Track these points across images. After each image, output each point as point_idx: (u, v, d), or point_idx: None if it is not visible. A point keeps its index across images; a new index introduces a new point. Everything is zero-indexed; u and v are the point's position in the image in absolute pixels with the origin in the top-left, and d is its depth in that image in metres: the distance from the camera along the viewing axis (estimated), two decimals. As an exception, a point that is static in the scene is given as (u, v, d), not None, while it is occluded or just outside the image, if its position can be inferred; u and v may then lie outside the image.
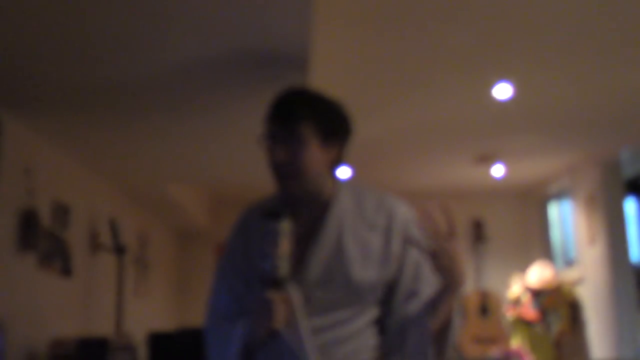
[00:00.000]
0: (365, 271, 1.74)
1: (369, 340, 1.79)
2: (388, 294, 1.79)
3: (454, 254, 1.66)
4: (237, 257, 1.82)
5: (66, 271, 4.41)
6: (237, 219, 1.89)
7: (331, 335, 1.72)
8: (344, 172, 5.66)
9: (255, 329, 1.67)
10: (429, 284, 1.76)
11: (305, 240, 1.71)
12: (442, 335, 1.73)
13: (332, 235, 1.75)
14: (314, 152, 1.71)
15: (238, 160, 4.95)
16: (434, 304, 1.70)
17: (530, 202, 7.30)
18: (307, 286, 1.69)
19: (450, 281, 1.66)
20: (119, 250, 4.98)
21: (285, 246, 1.64)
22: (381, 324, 1.82)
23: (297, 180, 1.72)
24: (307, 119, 1.71)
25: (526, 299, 6.14)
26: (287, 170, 1.71)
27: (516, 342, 6.23)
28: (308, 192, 1.75)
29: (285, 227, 1.64)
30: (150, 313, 6.52)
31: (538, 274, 6.20)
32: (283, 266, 1.63)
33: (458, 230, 1.68)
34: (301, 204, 1.77)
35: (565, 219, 6.90)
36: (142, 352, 4.65)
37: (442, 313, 1.70)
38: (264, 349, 1.72)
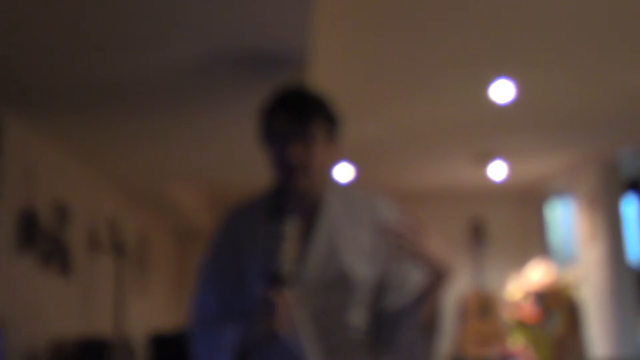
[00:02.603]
0: (359, 267, 1.76)
1: (363, 335, 1.80)
2: (378, 288, 1.81)
3: (426, 251, 1.64)
4: (224, 259, 1.81)
5: (66, 271, 4.41)
6: (222, 221, 1.87)
7: (328, 332, 1.73)
8: (346, 172, 5.66)
9: (256, 331, 1.65)
10: (414, 275, 1.77)
11: (300, 239, 1.70)
12: (430, 326, 1.75)
13: (325, 233, 1.76)
14: (321, 151, 1.74)
15: (238, 159, 4.94)
16: (422, 296, 1.72)
17: (530, 202, 7.30)
18: (304, 285, 1.69)
19: (435, 275, 1.67)
20: (119, 250, 4.98)
21: (292, 247, 1.62)
22: (372, 318, 1.83)
23: (308, 178, 1.74)
24: (318, 118, 1.73)
25: (527, 301, 6.14)
26: (301, 168, 1.72)
27: (516, 343, 6.23)
28: (314, 190, 1.77)
29: (293, 228, 1.63)
30: (150, 313, 6.52)
31: (539, 274, 6.20)
32: (290, 267, 1.61)
33: (418, 226, 1.68)
34: (298, 202, 1.77)
35: (565, 219, 6.90)
36: (142, 352, 4.65)
37: (431, 305, 1.72)
38: (258, 351, 1.72)
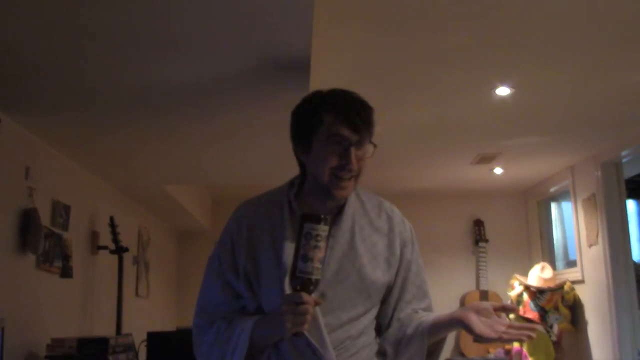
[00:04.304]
0: (375, 271, 1.80)
1: (372, 338, 1.85)
2: (387, 294, 1.86)
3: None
4: (236, 254, 1.80)
5: (66, 271, 4.41)
6: (235, 216, 1.86)
7: (343, 332, 1.75)
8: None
9: (281, 330, 1.63)
10: (427, 288, 1.91)
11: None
12: (434, 353, 1.84)
13: (345, 235, 1.79)
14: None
15: (239, 160, 4.94)
16: (436, 329, 1.79)
17: (530, 202, 7.30)
18: (323, 284, 1.70)
19: (458, 325, 1.76)
20: (119, 250, 4.98)
21: (324, 250, 1.64)
22: (381, 324, 1.88)
23: (353, 184, 1.78)
24: (373, 128, 1.80)
25: (526, 298, 6.14)
26: (354, 175, 1.77)
27: (516, 342, 6.23)
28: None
29: (326, 231, 1.64)
30: (150, 313, 6.52)
31: (539, 274, 6.20)
32: (320, 270, 1.63)
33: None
34: (333, 205, 1.81)
35: (565, 219, 6.90)
36: (142, 352, 4.65)
37: (443, 335, 1.82)
38: (276, 349, 1.72)
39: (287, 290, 1.67)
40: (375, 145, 1.78)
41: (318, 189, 1.78)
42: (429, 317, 1.82)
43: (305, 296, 1.60)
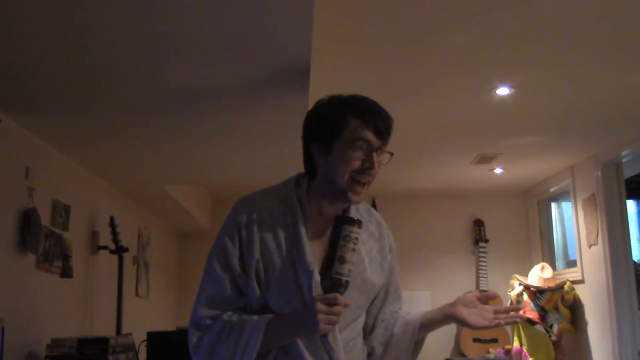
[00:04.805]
0: (373, 274, 1.86)
1: (362, 339, 1.91)
2: (375, 297, 1.93)
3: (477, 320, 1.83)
4: (244, 251, 1.77)
5: (66, 271, 4.41)
6: (242, 210, 1.83)
7: (348, 333, 1.81)
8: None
9: (313, 329, 1.63)
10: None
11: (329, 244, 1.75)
12: (417, 347, 1.91)
13: None
14: None
15: (239, 161, 4.94)
16: (428, 325, 1.88)
17: (530, 202, 7.30)
18: None
19: (449, 321, 1.86)
20: (119, 250, 4.98)
21: (356, 253, 1.68)
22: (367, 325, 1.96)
23: (366, 190, 1.80)
24: None
25: (526, 298, 6.14)
26: (370, 180, 1.78)
27: (516, 342, 6.23)
28: None
29: (359, 234, 1.68)
30: (150, 313, 6.52)
31: (539, 274, 6.20)
32: (352, 272, 1.67)
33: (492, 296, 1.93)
34: (333, 206, 1.83)
35: (565, 219, 6.90)
36: (142, 352, 4.65)
37: (431, 331, 1.90)
38: (277, 351, 1.72)
39: (318, 290, 1.67)
40: (392, 154, 1.80)
41: (329, 190, 1.78)
42: (415, 315, 1.88)
43: (339, 297, 1.62)
